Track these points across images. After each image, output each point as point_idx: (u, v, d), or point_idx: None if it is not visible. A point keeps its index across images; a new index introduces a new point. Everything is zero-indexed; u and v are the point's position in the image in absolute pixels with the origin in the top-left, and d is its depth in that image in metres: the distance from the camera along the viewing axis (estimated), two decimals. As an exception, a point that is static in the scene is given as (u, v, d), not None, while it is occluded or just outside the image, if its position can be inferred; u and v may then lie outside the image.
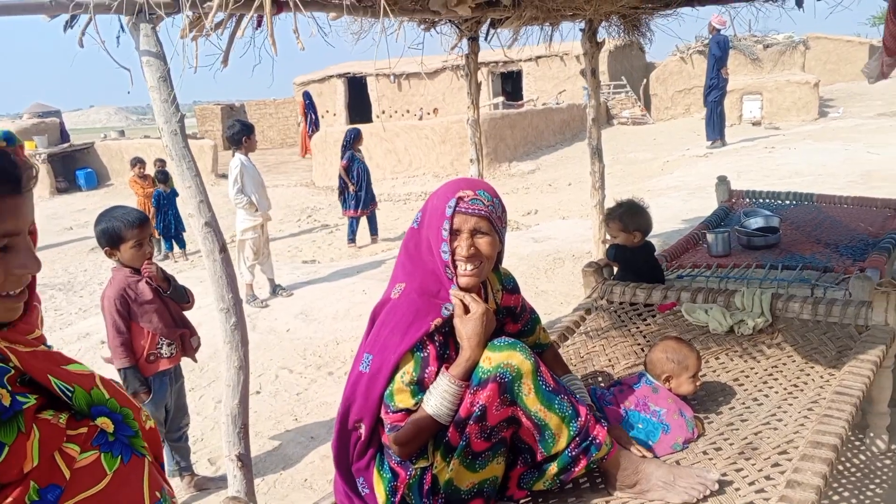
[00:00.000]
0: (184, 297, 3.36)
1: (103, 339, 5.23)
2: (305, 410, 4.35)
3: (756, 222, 4.51)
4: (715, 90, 13.06)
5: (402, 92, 22.72)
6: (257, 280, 6.50)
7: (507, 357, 1.82)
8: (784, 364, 2.71)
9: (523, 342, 2.01)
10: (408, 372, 1.86)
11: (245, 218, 6.22)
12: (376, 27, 3.95)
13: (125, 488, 1.11)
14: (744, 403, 2.45)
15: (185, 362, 3.50)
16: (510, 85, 22.29)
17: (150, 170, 10.61)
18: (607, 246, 3.73)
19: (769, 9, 5.15)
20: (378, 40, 3.42)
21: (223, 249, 2.45)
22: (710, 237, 4.28)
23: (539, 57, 19.21)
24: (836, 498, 2.77)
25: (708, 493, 1.89)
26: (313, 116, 20.77)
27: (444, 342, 1.91)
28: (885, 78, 4.50)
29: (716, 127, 13.18)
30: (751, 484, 1.95)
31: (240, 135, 6.17)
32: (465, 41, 4.91)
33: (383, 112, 22.91)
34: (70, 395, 1.11)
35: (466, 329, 1.87)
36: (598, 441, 1.88)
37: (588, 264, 3.67)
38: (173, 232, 9.75)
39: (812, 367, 2.65)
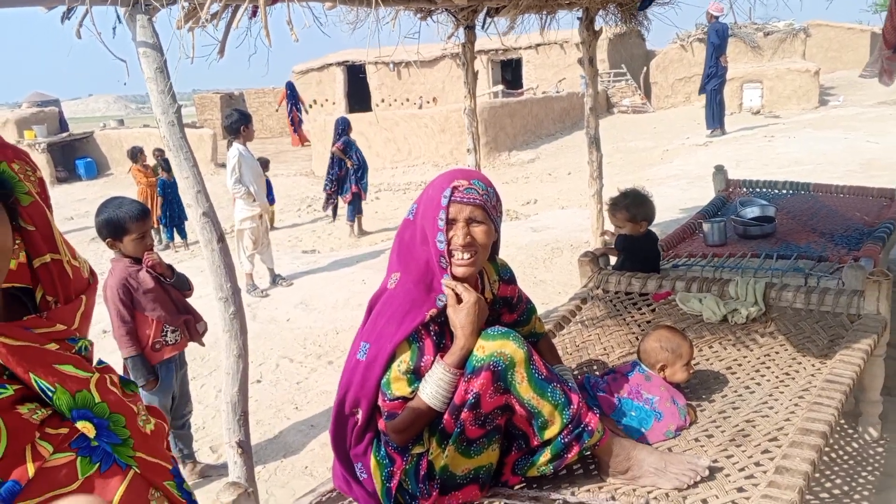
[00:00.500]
0: (185, 285, 3.39)
1: (106, 329, 5.27)
2: (305, 399, 4.39)
3: (752, 212, 4.52)
4: (714, 78, 13.02)
5: (402, 80, 22.67)
6: (257, 270, 6.53)
7: (500, 346, 1.85)
8: (776, 353, 2.74)
9: (518, 331, 2.04)
10: (404, 361, 1.90)
11: (243, 207, 6.24)
12: (372, 16, 3.97)
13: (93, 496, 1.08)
14: (736, 391, 2.48)
15: (187, 351, 3.53)
16: (510, 73, 22.24)
17: (150, 160, 10.62)
18: (615, 236, 3.75)
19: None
20: (373, 29, 3.45)
21: (221, 239, 2.48)
22: (706, 227, 4.30)
23: (539, 45, 19.16)
24: (828, 485, 2.80)
25: (698, 479, 1.93)
26: (296, 107, 20.88)
27: (440, 331, 1.94)
28: (891, 80, 4.48)
29: (715, 116, 13.17)
30: (741, 470, 1.98)
31: (237, 124, 6.18)
32: (461, 30, 4.91)
33: (382, 100, 22.89)
34: (51, 395, 1.07)
35: (459, 318, 1.90)
36: (590, 428, 1.91)
37: (584, 254, 3.70)
38: (176, 221, 9.78)
39: (804, 356, 2.68)
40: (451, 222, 1.93)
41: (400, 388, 1.90)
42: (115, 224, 3.10)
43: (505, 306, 2.24)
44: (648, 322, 3.16)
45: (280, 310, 5.92)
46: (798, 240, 4.19)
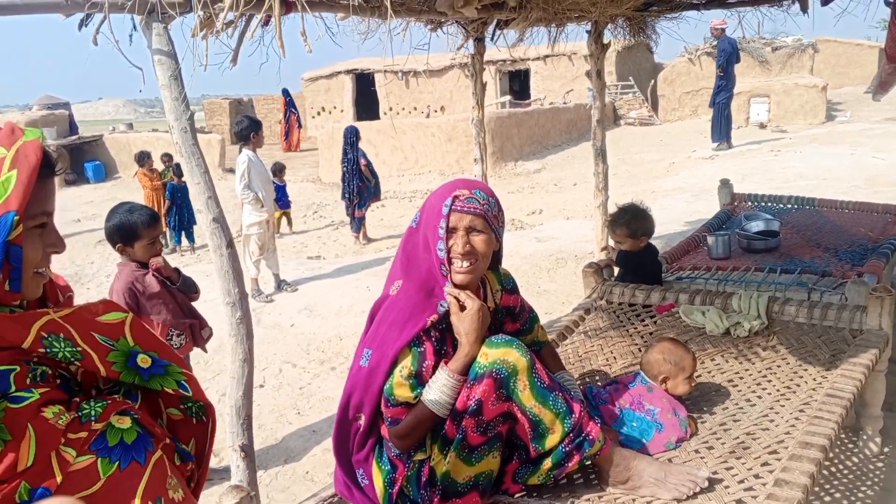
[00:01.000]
0: (192, 288, 3.42)
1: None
2: (308, 404, 4.41)
3: (757, 226, 4.54)
4: (723, 91, 13.04)
5: (410, 89, 22.78)
6: (262, 275, 6.57)
7: (503, 353, 1.87)
8: (778, 366, 2.76)
9: (521, 340, 2.07)
10: (406, 366, 1.92)
11: (251, 213, 6.29)
12: (383, 27, 4.01)
13: (114, 493, 1.14)
14: (737, 404, 2.50)
15: (190, 355, 3.55)
16: (518, 84, 22.32)
17: (157, 164, 10.69)
18: (616, 252, 3.77)
19: (773, 13, 5.19)
20: (385, 40, 3.48)
21: (230, 245, 2.51)
22: (710, 240, 4.32)
23: (547, 56, 19.24)
24: (827, 499, 2.80)
25: (698, 489, 1.94)
26: (295, 114, 21.45)
27: (441, 337, 1.97)
28: (885, 91, 4.51)
29: (722, 129, 13.18)
30: (740, 482, 2.00)
31: (248, 130, 6.24)
32: (470, 42, 4.95)
33: (391, 109, 22.99)
34: (113, 344, 1.23)
35: (464, 325, 1.92)
36: (591, 437, 1.93)
37: (588, 265, 3.72)
38: (185, 224, 9.84)
39: (805, 370, 2.70)
40: (451, 231, 1.96)
41: (403, 393, 1.92)
42: (126, 229, 3.13)
43: (507, 315, 2.26)
44: (651, 334, 3.18)
45: (284, 315, 5.95)
46: (802, 254, 4.20)
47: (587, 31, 5.55)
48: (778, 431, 2.25)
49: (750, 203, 5.36)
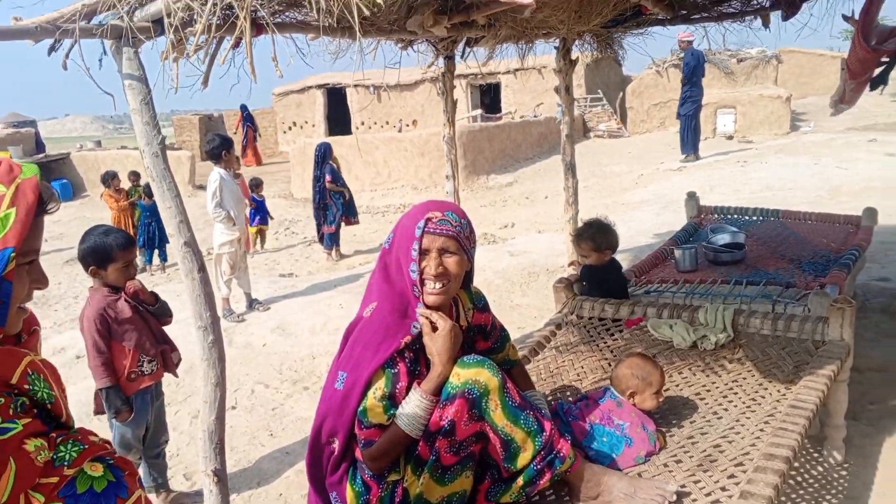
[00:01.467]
0: (167, 312, 3.38)
1: (79, 354, 5.24)
2: (281, 426, 4.38)
3: (723, 238, 4.63)
4: (689, 103, 13.23)
5: (382, 103, 22.82)
6: (234, 294, 6.53)
7: (475, 374, 1.90)
8: (744, 378, 2.82)
9: (492, 359, 2.10)
10: (379, 388, 1.94)
11: (223, 232, 6.25)
12: (354, 46, 4.04)
13: None
14: (704, 417, 2.55)
15: (162, 379, 3.53)
16: (489, 97, 22.48)
17: (125, 183, 10.58)
18: (580, 267, 3.83)
19: (737, 29, 5.32)
20: (356, 60, 3.52)
21: (202, 269, 2.51)
22: (677, 253, 4.40)
23: (517, 69, 19.40)
24: (794, 508, 2.87)
25: (666, 503, 1.99)
26: (252, 128, 21.73)
27: (415, 358, 1.99)
28: (849, 105, 4.64)
29: (689, 141, 13.39)
30: (707, 495, 2.04)
31: (219, 149, 6.23)
32: (441, 59, 5.00)
33: (362, 123, 23.01)
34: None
35: (437, 346, 1.94)
36: (561, 454, 1.96)
37: (559, 280, 3.77)
38: (157, 244, 9.75)
39: (770, 382, 2.76)
40: (424, 252, 1.99)
41: (376, 415, 1.94)
42: (101, 252, 3.07)
43: (479, 334, 2.29)
44: (621, 348, 3.23)
45: (256, 335, 5.91)
46: (767, 266, 4.29)
47: (555, 48, 5.64)
48: (744, 443, 2.30)
49: (716, 215, 5.47)
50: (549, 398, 2.76)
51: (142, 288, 3.22)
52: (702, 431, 2.44)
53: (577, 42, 5.65)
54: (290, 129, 24.90)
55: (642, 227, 8.08)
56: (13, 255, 1.14)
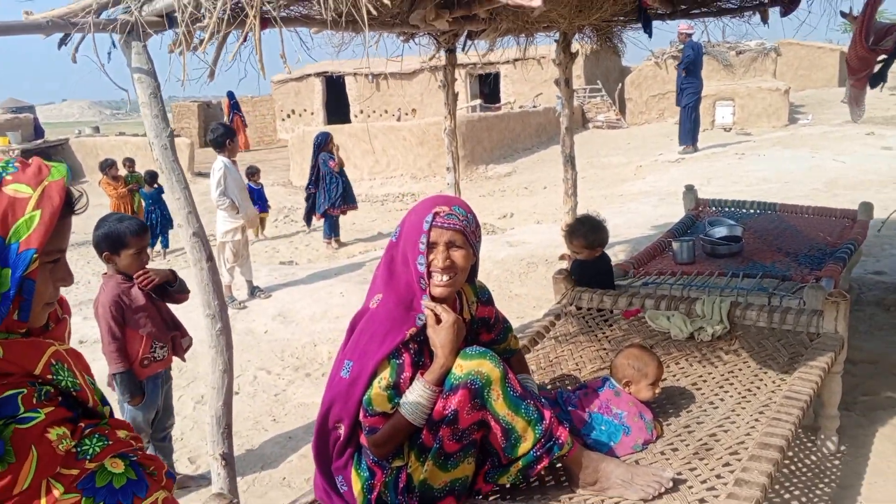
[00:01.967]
0: (186, 288, 3.39)
1: (82, 339, 5.30)
2: (283, 411, 4.45)
3: (720, 231, 4.68)
4: (691, 95, 13.23)
5: (381, 92, 22.79)
6: (235, 281, 6.58)
7: (477, 365, 1.96)
8: (740, 370, 2.88)
9: (494, 349, 2.16)
10: (384, 378, 1.99)
11: (226, 220, 6.30)
12: (356, 39, 4.09)
13: None
14: (700, 407, 2.61)
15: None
16: (488, 87, 22.45)
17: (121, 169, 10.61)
18: (570, 262, 3.90)
19: (736, 24, 5.37)
20: (362, 53, 3.56)
21: (210, 258, 2.57)
22: (675, 245, 4.45)
23: (517, 59, 19.37)
24: (787, 496, 2.93)
25: (663, 490, 2.05)
26: (240, 115, 21.71)
27: (419, 350, 2.05)
28: (859, 107, 4.69)
29: (688, 132, 13.41)
30: (703, 482, 2.10)
31: (223, 138, 6.27)
32: (442, 52, 5.04)
33: (361, 112, 22.99)
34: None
35: (440, 338, 2.00)
36: (560, 441, 2.03)
37: (559, 271, 3.82)
38: (158, 230, 9.79)
39: (765, 373, 2.82)
40: (431, 246, 2.04)
41: (381, 403, 2.00)
42: (114, 238, 3.11)
43: (483, 326, 2.35)
44: (619, 339, 3.29)
45: (258, 322, 5.97)
46: (763, 259, 4.35)
47: (555, 41, 5.68)
48: (739, 433, 2.36)
49: (714, 208, 5.52)
50: (549, 387, 2.82)
51: (152, 279, 3.23)
52: (698, 421, 2.50)
53: (576, 35, 5.69)
54: (288, 116, 24.88)
55: (640, 220, 8.13)
56: (35, 256, 1.18)
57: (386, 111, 22.74)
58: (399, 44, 4.73)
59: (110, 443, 1.27)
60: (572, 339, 3.34)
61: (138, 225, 3.20)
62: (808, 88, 20.89)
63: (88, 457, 1.22)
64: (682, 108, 13.42)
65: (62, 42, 2.33)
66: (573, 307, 3.66)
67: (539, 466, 2.04)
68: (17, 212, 1.18)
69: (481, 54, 5.36)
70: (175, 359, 3.58)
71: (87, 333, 5.39)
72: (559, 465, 2.16)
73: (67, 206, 1.26)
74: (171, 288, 3.32)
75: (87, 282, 8.29)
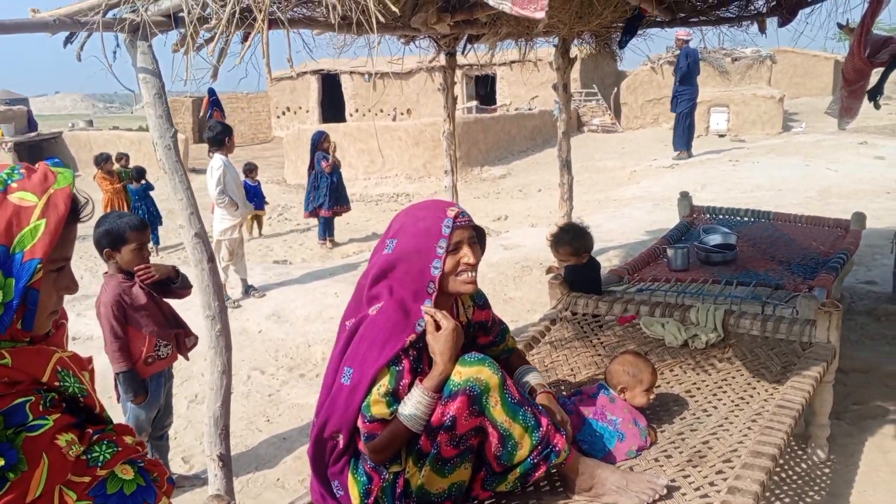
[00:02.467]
0: (189, 283, 3.37)
1: (74, 337, 5.29)
2: (277, 411, 4.45)
3: (714, 239, 4.71)
4: (684, 100, 13.30)
5: (377, 91, 22.78)
6: (229, 280, 6.58)
7: (476, 372, 1.98)
8: (733, 378, 2.91)
9: (493, 351, 2.19)
10: (384, 384, 2.00)
11: (224, 217, 6.30)
12: (358, 40, 4.10)
13: None
14: (694, 414, 2.64)
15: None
16: (484, 89, 22.47)
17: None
18: (558, 272, 3.94)
19: (733, 31, 5.41)
20: (361, 52, 3.58)
21: (211, 259, 2.58)
22: (670, 252, 4.48)
23: (513, 62, 19.41)
24: None
25: (657, 497, 2.08)
26: (219, 111, 21.48)
27: (418, 356, 2.06)
28: (852, 118, 4.73)
29: (683, 138, 13.47)
30: (696, 489, 2.13)
31: (221, 136, 6.28)
32: (442, 55, 5.06)
33: (356, 110, 22.98)
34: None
35: (439, 344, 2.02)
36: (557, 448, 2.05)
37: (554, 276, 3.85)
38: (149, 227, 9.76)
39: (758, 381, 2.86)
40: (457, 246, 2.09)
41: (379, 410, 2.01)
42: (114, 234, 3.11)
43: (480, 330, 2.38)
44: (613, 345, 3.32)
45: (252, 321, 5.97)
46: (757, 267, 4.38)
47: (554, 45, 5.71)
48: (732, 441, 2.39)
49: (708, 216, 5.56)
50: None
51: (152, 275, 3.22)
52: (691, 428, 2.53)
53: (575, 41, 5.72)
54: (283, 114, 24.85)
55: (634, 224, 8.17)
56: (39, 266, 1.17)
57: (381, 110, 22.73)
58: (399, 45, 4.75)
59: (119, 449, 1.27)
60: (567, 345, 3.37)
61: (138, 221, 3.20)
62: (802, 96, 21.01)
63: (99, 464, 1.23)
64: (676, 113, 13.49)
65: (68, 40, 2.34)
66: (568, 312, 3.69)
67: (537, 474, 2.06)
68: (23, 221, 1.17)
69: (480, 56, 5.39)
70: (188, 357, 3.58)
71: (79, 330, 5.39)
72: (554, 470, 2.18)
73: (73, 213, 1.25)
74: (174, 284, 3.32)
75: (80, 277, 8.27)
